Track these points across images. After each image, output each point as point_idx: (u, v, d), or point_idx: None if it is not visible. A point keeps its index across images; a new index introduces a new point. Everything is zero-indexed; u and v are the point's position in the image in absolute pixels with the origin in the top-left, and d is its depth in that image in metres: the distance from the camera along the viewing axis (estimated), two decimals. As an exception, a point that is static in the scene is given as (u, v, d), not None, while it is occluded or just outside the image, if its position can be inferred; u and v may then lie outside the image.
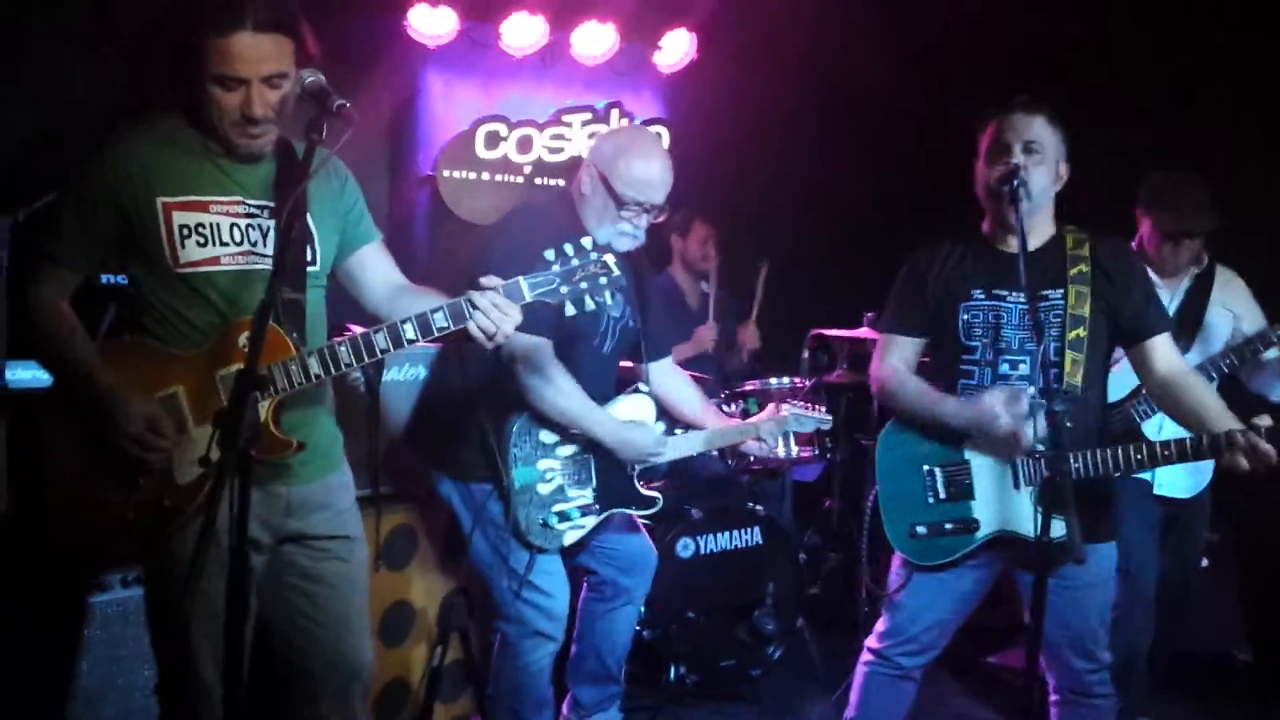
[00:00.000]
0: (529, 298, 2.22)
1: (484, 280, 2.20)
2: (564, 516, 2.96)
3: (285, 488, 2.28)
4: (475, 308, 2.16)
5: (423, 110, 5.27)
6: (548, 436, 2.97)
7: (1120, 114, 4.47)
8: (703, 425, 3.29)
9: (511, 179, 5.35)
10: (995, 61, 4.78)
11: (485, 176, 5.30)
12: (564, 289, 2.23)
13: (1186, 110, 4.42)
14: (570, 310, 2.23)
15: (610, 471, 3.08)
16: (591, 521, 3.04)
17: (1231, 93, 4.39)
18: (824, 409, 3.51)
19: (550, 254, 2.24)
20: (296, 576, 2.34)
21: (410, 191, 5.27)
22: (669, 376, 3.34)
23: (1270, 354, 3.38)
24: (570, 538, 2.99)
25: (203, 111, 2.15)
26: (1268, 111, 4.28)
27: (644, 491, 3.16)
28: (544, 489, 2.94)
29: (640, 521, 3.30)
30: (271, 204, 2.24)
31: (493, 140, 5.31)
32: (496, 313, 2.17)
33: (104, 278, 2.72)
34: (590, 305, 2.23)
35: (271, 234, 2.23)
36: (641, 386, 3.20)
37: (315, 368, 2.16)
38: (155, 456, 2.12)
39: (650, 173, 2.96)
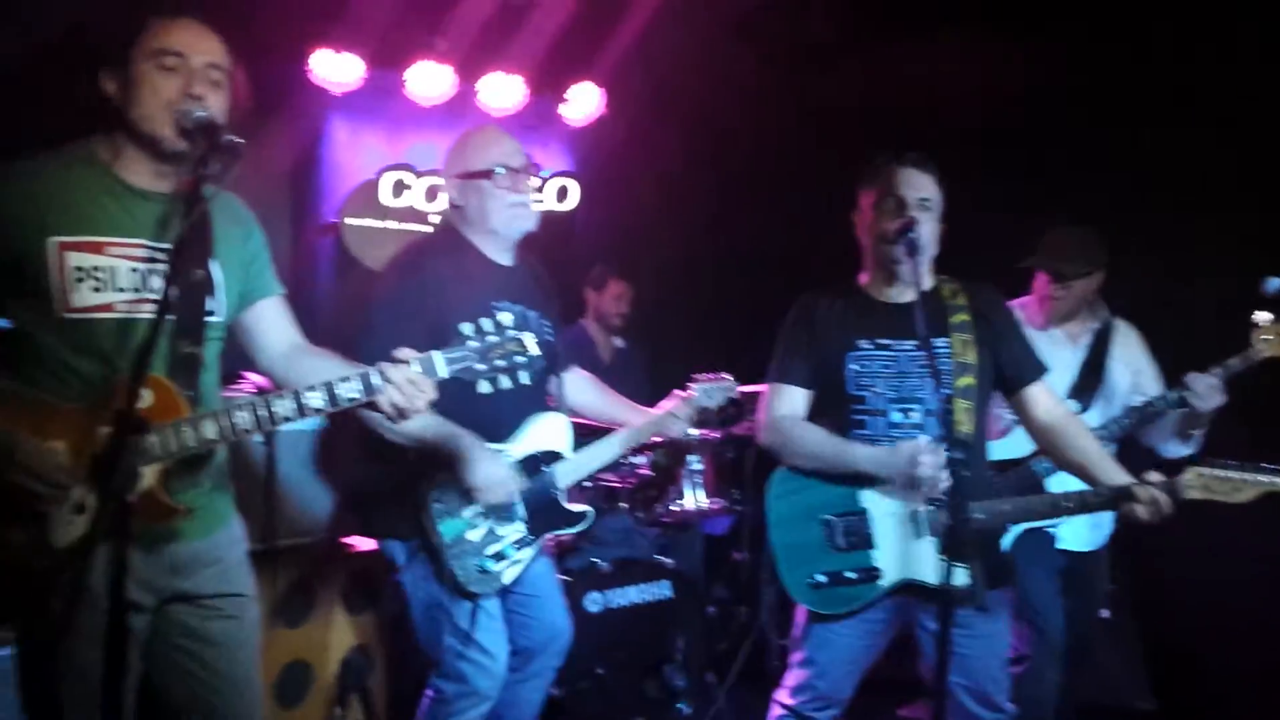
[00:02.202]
0: (444, 374, 2.12)
1: (398, 353, 2.10)
2: (500, 556, 2.86)
3: (171, 545, 2.14)
4: (389, 381, 2.07)
5: (326, 157, 5.22)
6: None
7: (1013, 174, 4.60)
8: (626, 424, 3.22)
9: (418, 227, 5.29)
10: (881, 124, 4.87)
11: (391, 224, 5.25)
12: (480, 366, 2.15)
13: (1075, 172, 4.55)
14: (485, 388, 2.16)
15: (537, 499, 2.97)
16: (529, 554, 2.94)
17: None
18: (728, 376, 3.39)
19: (468, 329, 2.16)
20: (184, 637, 2.19)
21: (313, 239, 5.19)
22: (580, 386, 3.28)
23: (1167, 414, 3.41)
24: (510, 575, 2.88)
25: (128, 111, 2.05)
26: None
27: (572, 509, 3.06)
28: (474, 535, 2.83)
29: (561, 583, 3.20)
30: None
31: (399, 188, 5.27)
32: (411, 388, 2.07)
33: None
34: (506, 383, 2.17)
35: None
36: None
37: (210, 432, 2.00)
38: (53, 493, 1.91)
39: (493, 138, 3.00)
